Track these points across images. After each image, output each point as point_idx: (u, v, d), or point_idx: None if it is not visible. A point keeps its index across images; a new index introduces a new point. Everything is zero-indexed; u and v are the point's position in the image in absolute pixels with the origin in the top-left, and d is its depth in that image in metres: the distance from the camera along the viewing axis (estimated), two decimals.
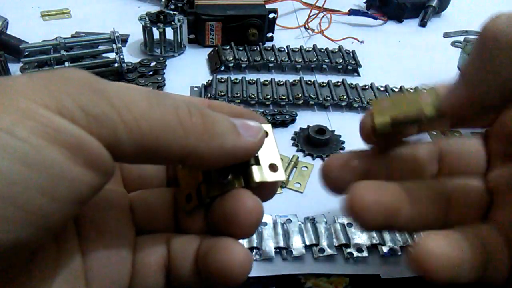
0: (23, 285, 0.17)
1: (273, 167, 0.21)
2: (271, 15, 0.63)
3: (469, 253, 0.22)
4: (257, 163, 0.21)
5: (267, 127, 0.23)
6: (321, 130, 0.46)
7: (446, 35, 0.57)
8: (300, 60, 0.58)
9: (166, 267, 0.22)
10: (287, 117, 0.48)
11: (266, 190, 0.22)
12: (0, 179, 0.13)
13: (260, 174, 0.21)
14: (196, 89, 0.53)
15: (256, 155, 0.21)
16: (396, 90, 0.54)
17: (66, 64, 0.50)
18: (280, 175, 0.21)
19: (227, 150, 0.19)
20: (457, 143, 0.27)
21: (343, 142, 0.47)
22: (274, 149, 0.22)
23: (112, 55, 0.53)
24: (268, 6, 0.63)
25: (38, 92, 0.15)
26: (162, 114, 0.17)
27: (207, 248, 0.20)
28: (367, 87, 0.54)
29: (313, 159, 0.45)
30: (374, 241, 0.35)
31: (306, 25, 0.70)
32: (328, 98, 0.52)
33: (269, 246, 0.34)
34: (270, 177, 0.21)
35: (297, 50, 0.60)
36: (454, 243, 0.22)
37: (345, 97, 0.52)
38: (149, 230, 0.23)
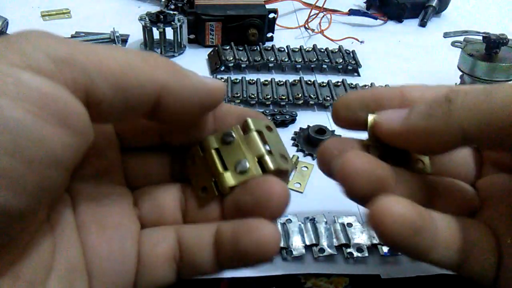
0: (15, 278, 0.17)
1: (284, 157, 0.23)
2: (271, 15, 0.63)
3: (439, 228, 0.21)
4: (270, 153, 0.23)
5: (270, 122, 0.25)
6: (321, 130, 0.46)
7: (446, 35, 0.57)
8: (300, 60, 0.58)
9: (176, 258, 0.22)
10: (287, 117, 0.48)
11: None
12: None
13: (274, 162, 0.22)
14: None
15: (268, 148, 0.23)
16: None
17: None
18: (290, 165, 0.23)
19: (195, 86, 0.20)
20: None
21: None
22: (280, 142, 0.24)
23: None
24: (268, 6, 0.63)
25: (7, 52, 0.14)
26: (124, 54, 0.17)
27: (235, 231, 0.20)
28: (367, 87, 0.54)
29: (313, 159, 0.45)
30: (374, 241, 0.35)
31: (306, 25, 0.70)
32: (328, 98, 0.52)
33: None
34: (284, 165, 0.23)
35: (297, 50, 0.60)
36: (419, 210, 0.21)
37: None
38: (156, 224, 0.23)
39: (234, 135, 0.23)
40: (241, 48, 0.59)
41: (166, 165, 0.25)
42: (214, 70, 0.57)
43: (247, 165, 0.22)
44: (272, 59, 0.58)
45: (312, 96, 0.52)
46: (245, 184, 0.22)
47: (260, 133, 0.23)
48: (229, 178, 0.22)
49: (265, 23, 0.62)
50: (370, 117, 0.24)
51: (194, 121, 0.23)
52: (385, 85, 0.54)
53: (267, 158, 0.22)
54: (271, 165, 0.22)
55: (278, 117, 0.48)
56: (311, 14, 0.70)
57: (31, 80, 0.14)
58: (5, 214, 0.14)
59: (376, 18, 0.74)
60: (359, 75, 0.59)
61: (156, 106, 0.19)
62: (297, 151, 0.46)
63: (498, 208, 0.23)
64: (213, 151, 0.23)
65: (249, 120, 0.24)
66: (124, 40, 0.62)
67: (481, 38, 0.54)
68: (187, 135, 0.24)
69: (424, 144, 0.21)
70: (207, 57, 0.60)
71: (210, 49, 0.61)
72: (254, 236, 0.20)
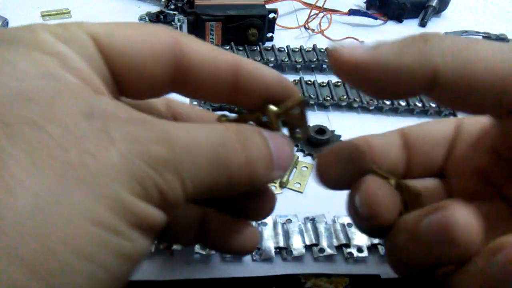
0: None
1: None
2: (271, 15, 0.63)
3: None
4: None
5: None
6: (321, 130, 0.46)
7: (446, 35, 0.57)
8: (300, 60, 0.58)
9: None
10: None
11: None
12: (109, 277, 0.14)
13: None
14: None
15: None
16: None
17: None
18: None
19: (257, 185, 0.20)
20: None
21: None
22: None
23: None
24: (268, 6, 0.63)
25: (131, 180, 0.15)
26: (218, 174, 0.18)
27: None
28: None
29: (313, 159, 0.45)
30: (374, 241, 0.35)
31: (306, 25, 0.70)
32: (328, 98, 0.52)
33: (269, 246, 0.34)
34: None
35: (297, 50, 0.60)
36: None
37: (345, 97, 0.52)
38: None
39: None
40: (241, 48, 0.59)
41: None
42: None
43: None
44: (272, 59, 0.58)
45: (312, 96, 0.52)
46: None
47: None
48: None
49: (265, 23, 0.62)
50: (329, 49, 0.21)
51: None
52: None
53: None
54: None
55: None
56: (311, 14, 0.70)
57: (151, 212, 0.16)
58: None
59: (376, 18, 0.74)
60: None
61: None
62: (297, 151, 0.46)
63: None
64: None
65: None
66: None
67: (481, 38, 0.54)
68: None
69: (391, 83, 0.19)
70: None
71: None
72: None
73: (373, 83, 0.19)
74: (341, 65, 0.20)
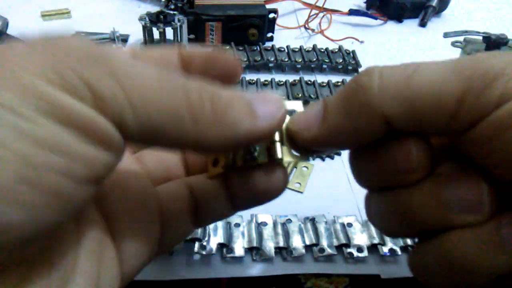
0: (50, 269, 0.17)
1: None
2: (271, 15, 0.63)
3: None
4: (282, 141, 0.21)
5: (298, 105, 0.22)
6: None
7: (446, 35, 0.57)
8: (300, 60, 0.58)
9: (192, 209, 0.23)
10: None
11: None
12: (19, 162, 0.13)
13: (283, 152, 0.21)
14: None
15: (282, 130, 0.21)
16: None
17: None
18: (299, 158, 0.21)
19: (241, 137, 0.18)
20: None
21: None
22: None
23: None
24: (268, 6, 0.63)
25: (39, 65, 0.14)
26: (172, 99, 0.16)
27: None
28: None
29: (313, 159, 0.45)
30: (374, 241, 0.35)
31: (306, 25, 0.70)
32: None
33: (269, 246, 0.34)
34: (294, 157, 0.21)
35: (297, 50, 0.60)
36: None
37: None
38: (167, 178, 0.24)
39: None
40: (241, 48, 0.59)
41: (178, 160, 0.25)
42: None
43: (256, 154, 0.21)
44: (272, 59, 0.58)
45: (312, 96, 0.52)
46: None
47: None
48: (240, 159, 0.21)
49: (265, 23, 0.62)
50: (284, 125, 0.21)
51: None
52: None
53: (277, 146, 0.21)
54: (278, 154, 0.21)
55: None
56: (311, 14, 0.70)
57: (73, 104, 0.14)
58: (46, 233, 0.15)
59: (376, 18, 0.74)
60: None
61: (186, 148, 0.19)
62: None
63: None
64: None
65: None
66: (124, 40, 0.62)
67: (481, 38, 0.54)
68: None
69: (349, 141, 0.19)
70: None
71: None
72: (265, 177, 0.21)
73: (335, 146, 0.20)
74: (303, 142, 0.20)
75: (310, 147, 0.21)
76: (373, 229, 0.36)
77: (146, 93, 0.15)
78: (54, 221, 0.15)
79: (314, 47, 0.60)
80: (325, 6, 0.70)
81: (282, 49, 0.60)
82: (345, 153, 0.46)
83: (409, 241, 0.35)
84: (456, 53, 0.56)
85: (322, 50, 0.60)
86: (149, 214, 0.22)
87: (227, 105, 0.17)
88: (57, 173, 0.14)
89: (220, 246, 0.34)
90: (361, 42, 0.67)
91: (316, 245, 0.35)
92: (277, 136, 0.21)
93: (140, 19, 0.58)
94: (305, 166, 0.44)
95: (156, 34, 0.59)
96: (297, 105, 0.22)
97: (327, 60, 0.58)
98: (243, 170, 0.22)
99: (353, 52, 0.61)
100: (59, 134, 0.14)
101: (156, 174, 0.24)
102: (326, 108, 0.19)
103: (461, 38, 0.58)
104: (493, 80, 0.16)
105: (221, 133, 0.17)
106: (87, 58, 0.15)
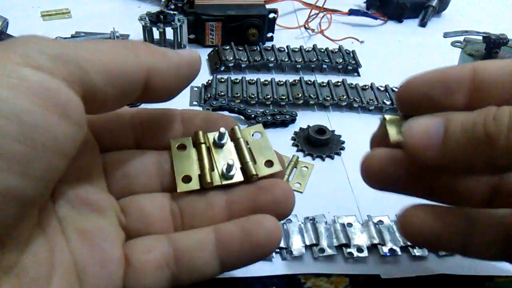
0: (20, 276, 0.17)
1: (269, 163, 0.25)
2: (271, 15, 0.63)
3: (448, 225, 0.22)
4: (254, 161, 0.25)
5: (259, 127, 0.26)
6: (321, 130, 0.46)
7: (446, 35, 0.57)
8: (300, 60, 0.58)
9: (169, 264, 0.22)
10: (287, 117, 0.48)
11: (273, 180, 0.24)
12: None
13: (255, 169, 0.24)
14: (196, 89, 0.53)
15: (253, 154, 0.25)
16: (396, 90, 0.54)
17: None
18: (275, 168, 0.25)
19: (175, 63, 0.22)
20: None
21: (343, 142, 0.47)
22: (267, 147, 0.26)
23: None
24: (268, 6, 0.63)
25: (5, 52, 0.16)
26: (110, 45, 0.19)
27: (245, 227, 0.22)
28: (367, 87, 0.54)
29: (313, 159, 0.45)
30: (374, 241, 0.35)
31: (306, 25, 0.70)
32: (328, 98, 0.52)
33: None
34: (266, 171, 0.25)
35: (297, 50, 0.60)
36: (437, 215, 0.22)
37: (345, 97, 0.52)
38: (146, 234, 0.23)
39: (225, 140, 0.25)
40: (241, 48, 0.59)
41: (151, 167, 0.25)
42: (214, 70, 0.57)
43: (234, 171, 0.24)
44: (272, 59, 0.58)
45: (312, 96, 0.52)
46: (232, 185, 0.24)
47: (246, 140, 0.26)
48: (217, 178, 0.24)
49: (265, 23, 0.62)
50: (393, 132, 0.23)
51: (176, 95, 0.24)
52: (385, 85, 0.54)
53: (250, 165, 0.24)
54: (253, 172, 0.24)
55: (278, 117, 0.48)
56: (311, 14, 0.70)
57: (33, 75, 0.15)
58: (14, 199, 0.15)
59: (376, 18, 0.74)
60: (359, 75, 0.59)
61: (145, 88, 0.21)
62: (297, 151, 0.46)
63: None
64: (205, 148, 0.25)
65: (236, 128, 0.26)
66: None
67: (481, 38, 0.54)
68: (159, 138, 0.26)
69: (465, 168, 0.20)
70: (207, 57, 0.60)
71: (210, 49, 0.61)
72: (264, 228, 0.22)
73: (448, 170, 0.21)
74: (421, 161, 0.21)
75: (425, 165, 0.21)
76: (373, 229, 0.36)
77: (90, 47, 0.18)
78: (20, 188, 0.15)
79: (314, 47, 0.60)
80: (325, 6, 0.70)
81: (282, 49, 0.60)
82: (346, 153, 0.46)
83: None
84: (456, 53, 0.56)
85: (322, 50, 0.60)
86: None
87: (153, 46, 0.22)
88: (13, 140, 0.15)
89: None
90: (361, 42, 0.67)
91: (316, 245, 0.35)
92: (249, 158, 0.25)
93: (140, 19, 0.58)
94: (305, 166, 0.44)
95: (156, 34, 0.59)
96: (258, 127, 0.27)
97: (327, 60, 0.58)
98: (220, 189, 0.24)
99: (353, 52, 0.61)
100: (15, 102, 0.15)
101: (137, 227, 0.23)
102: (447, 131, 0.20)
103: (461, 38, 0.58)
104: None
105: (160, 59, 0.21)
106: (46, 39, 0.17)
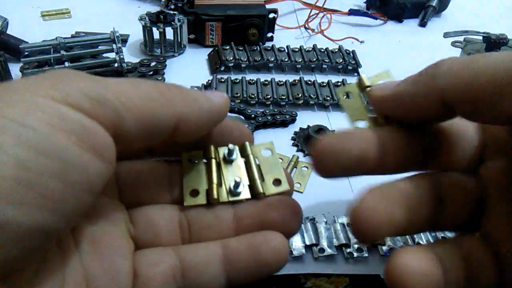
0: None
1: (277, 181, 0.25)
2: (271, 15, 0.63)
3: (448, 269, 0.20)
4: (262, 178, 0.25)
5: (269, 144, 0.26)
6: (321, 130, 0.46)
7: (446, 35, 0.57)
8: (300, 60, 0.58)
9: (176, 278, 0.22)
10: (287, 117, 0.48)
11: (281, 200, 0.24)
12: (17, 165, 0.14)
13: (263, 187, 0.24)
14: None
15: (261, 171, 0.25)
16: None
17: (66, 64, 0.50)
18: (283, 187, 0.25)
19: (206, 110, 0.22)
20: (454, 125, 0.24)
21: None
22: (277, 165, 0.25)
23: (112, 55, 0.53)
24: (268, 6, 0.63)
25: (43, 87, 0.16)
26: (146, 91, 0.20)
27: (253, 243, 0.22)
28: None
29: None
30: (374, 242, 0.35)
31: (306, 25, 0.70)
32: (328, 98, 0.52)
33: None
34: (273, 190, 0.24)
35: (297, 50, 0.60)
36: (433, 259, 0.20)
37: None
38: (153, 245, 0.23)
39: (235, 156, 0.25)
40: (241, 48, 0.59)
41: (161, 179, 0.25)
42: (214, 70, 0.57)
43: (241, 188, 0.24)
44: (272, 59, 0.58)
45: (312, 96, 0.52)
46: (240, 202, 0.24)
47: (255, 157, 0.25)
48: (224, 194, 0.24)
49: (265, 23, 0.62)
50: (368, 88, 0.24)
51: (203, 136, 0.24)
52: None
53: (258, 183, 0.24)
54: (260, 190, 0.24)
55: (278, 117, 0.48)
56: (311, 14, 0.70)
57: (73, 115, 0.16)
58: (42, 233, 0.16)
59: (376, 18, 0.74)
60: (359, 75, 0.59)
61: (173, 133, 0.21)
62: (297, 151, 0.46)
63: (498, 208, 0.22)
64: (214, 163, 0.25)
65: (247, 145, 0.25)
66: (124, 40, 0.62)
67: (481, 38, 0.54)
68: (172, 144, 0.25)
69: (409, 109, 0.21)
70: (207, 57, 0.60)
71: (210, 49, 0.61)
72: (271, 246, 0.22)
73: (397, 111, 0.22)
74: (374, 100, 0.23)
75: (381, 108, 0.23)
76: None
77: (128, 91, 0.19)
78: (49, 224, 0.15)
79: (314, 47, 0.60)
80: (325, 6, 0.70)
81: (282, 49, 0.60)
82: None
83: (410, 241, 0.35)
84: (456, 53, 0.56)
85: (322, 50, 0.60)
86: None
87: (187, 90, 0.22)
88: (51, 177, 0.15)
89: None
90: (361, 42, 0.67)
91: (316, 245, 0.35)
92: (258, 176, 0.24)
93: (140, 19, 0.58)
94: (305, 166, 0.44)
95: (156, 34, 0.59)
96: (269, 146, 0.26)
97: (327, 60, 0.58)
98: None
99: (353, 52, 0.61)
100: (55, 140, 0.15)
101: (145, 238, 0.23)
102: (404, 80, 0.22)
103: (461, 38, 0.58)
104: None
105: (191, 107, 0.21)
106: (83, 77, 0.17)
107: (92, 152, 0.16)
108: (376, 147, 0.21)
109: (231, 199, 0.24)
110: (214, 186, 0.24)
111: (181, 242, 0.24)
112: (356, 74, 0.59)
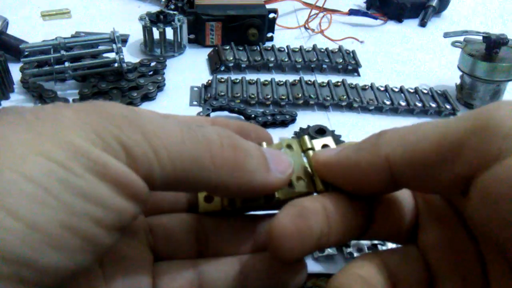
0: None
1: (296, 182, 0.22)
2: (271, 15, 0.63)
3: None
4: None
5: (330, 140, 0.24)
6: (321, 130, 0.46)
7: (446, 35, 0.57)
8: (300, 60, 0.58)
9: None
10: (287, 117, 0.48)
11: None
12: (64, 211, 0.15)
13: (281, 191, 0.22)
14: (196, 89, 0.53)
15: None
16: (396, 90, 0.54)
17: (66, 64, 0.50)
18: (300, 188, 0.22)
19: (255, 186, 0.20)
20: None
21: (342, 142, 0.47)
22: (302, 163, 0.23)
23: (112, 55, 0.53)
24: (268, 6, 0.63)
25: (85, 130, 0.16)
26: (195, 149, 0.18)
27: (272, 264, 0.21)
28: (367, 87, 0.54)
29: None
30: (374, 241, 0.35)
31: (306, 25, 0.70)
32: (328, 98, 0.52)
33: None
34: (290, 193, 0.22)
35: (297, 50, 0.60)
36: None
37: (345, 97, 0.52)
38: (170, 256, 0.23)
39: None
40: (241, 48, 0.59)
41: (182, 195, 0.25)
42: (214, 70, 0.57)
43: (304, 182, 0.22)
44: (272, 59, 0.58)
45: (312, 96, 0.52)
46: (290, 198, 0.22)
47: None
48: (239, 201, 0.23)
49: (265, 23, 0.62)
50: (311, 153, 0.23)
51: None
52: (385, 85, 0.54)
53: (318, 179, 0.22)
54: (276, 195, 0.22)
55: (278, 117, 0.48)
56: (311, 14, 0.70)
57: (115, 164, 0.16)
58: (81, 271, 0.16)
59: (376, 18, 0.74)
60: (359, 75, 0.59)
61: (205, 191, 0.20)
62: None
63: (430, 233, 0.21)
64: None
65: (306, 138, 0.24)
66: (124, 40, 0.62)
67: (481, 38, 0.54)
68: None
69: (354, 179, 0.20)
70: (207, 57, 0.60)
71: (210, 49, 0.61)
72: (290, 265, 0.21)
73: (343, 181, 0.21)
74: (317, 166, 0.22)
75: (324, 176, 0.22)
76: None
77: (172, 148, 0.17)
78: (85, 264, 0.16)
79: (314, 47, 0.60)
80: (325, 6, 0.70)
81: (282, 49, 0.60)
82: None
83: None
84: (456, 53, 0.56)
85: (322, 50, 0.60)
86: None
87: (246, 155, 0.19)
88: (93, 222, 0.16)
89: None
90: (361, 42, 0.67)
91: None
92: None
93: (140, 19, 0.58)
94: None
95: (156, 34, 0.59)
96: (329, 141, 0.24)
97: (327, 60, 0.58)
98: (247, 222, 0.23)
99: (353, 52, 0.61)
100: (99, 188, 0.16)
101: (163, 249, 0.23)
102: (345, 146, 0.21)
103: (461, 38, 0.58)
104: (493, 133, 0.16)
105: (239, 180, 0.19)
106: (123, 122, 0.17)
107: (130, 199, 0.17)
108: (326, 221, 0.20)
109: (244, 205, 0.23)
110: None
111: (198, 254, 0.23)
112: (356, 74, 0.59)
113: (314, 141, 0.24)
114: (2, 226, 0.13)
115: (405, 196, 0.22)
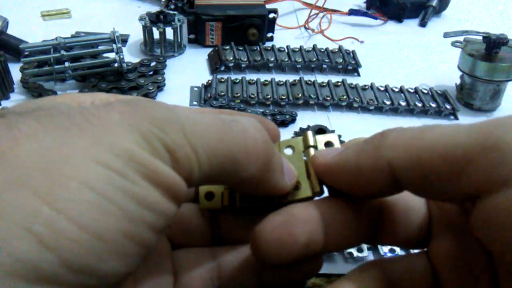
0: None
1: (296, 186, 0.22)
2: (271, 15, 0.63)
3: None
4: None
5: (334, 137, 0.24)
6: (321, 130, 0.46)
7: (446, 35, 0.57)
8: (300, 60, 0.58)
9: (213, 279, 0.22)
10: (287, 117, 0.48)
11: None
12: (123, 218, 0.15)
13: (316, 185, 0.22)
14: (196, 89, 0.53)
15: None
16: (396, 90, 0.54)
17: (66, 64, 0.50)
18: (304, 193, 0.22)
19: (272, 184, 0.21)
20: (400, 198, 0.22)
21: (342, 142, 0.47)
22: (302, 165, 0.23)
23: (112, 55, 0.53)
24: (268, 6, 0.63)
25: (133, 133, 0.16)
26: (232, 145, 0.18)
27: None
28: (367, 87, 0.54)
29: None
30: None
31: (306, 25, 0.70)
32: (328, 98, 0.52)
33: None
34: (293, 195, 0.22)
35: (297, 50, 0.60)
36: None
37: (345, 97, 0.52)
38: (185, 244, 0.23)
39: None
40: (241, 48, 0.59)
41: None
42: (214, 70, 0.57)
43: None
44: (272, 59, 0.58)
45: (312, 96, 0.52)
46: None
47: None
48: (238, 201, 0.23)
49: (265, 23, 0.62)
50: (312, 153, 0.22)
51: None
52: (385, 85, 0.54)
53: (316, 181, 0.22)
54: (318, 188, 0.22)
55: (278, 117, 0.48)
56: (311, 14, 0.70)
57: (163, 170, 0.16)
58: (118, 277, 0.16)
59: (376, 18, 0.74)
60: (359, 75, 0.59)
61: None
62: None
63: (443, 242, 0.21)
64: None
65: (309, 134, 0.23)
66: (124, 40, 0.62)
67: (481, 38, 0.54)
68: None
69: (354, 181, 0.20)
70: (207, 57, 0.60)
71: (210, 49, 0.61)
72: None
73: (343, 184, 0.21)
74: (316, 168, 0.22)
75: (324, 178, 0.21)
76: None
77: (210, 147, 0.18)
78: (136, 268, 0.16)
79: (314, 47, 0.60)
80: (325, 6, 0.70)
81: (282, 49, 0.60)
82: None
83: None
84: (456, 53, 0.56)
85: (322, 50, 0.60)
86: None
87: (274, 152, 0.20)
88: (148, 227, 0.16)
89: None
90: (361, 42, 0.67)
91: None
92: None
93: (140, 19, 0.58)
94: None
95: (156, 34, 0.59)
96: (333, 138, 0.24)
97: (327, 60, 0.58)
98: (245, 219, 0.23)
99: (353, 52, 0.61)
100: (152, 193, 0.16)
101: (177, 236, 0.24)
102: (347, 146, 0.21)
103: (461, 38, 0.58)
104: (502, 156, 0.15)
105: (263, 176, 0.20)
106: (165, 124, 0.17)
107: (174, 201, 0.17)
108: (322, 227, 0.20)
109: (244, 205, 0.23)
110: (228, 191, 0.23)
111: (212, 242, 0.24)
112: (356, 74, 0.59)
113: (318, 136, 0.23)
114: (69, 236, 0.13)
115: (416, 202, 0.22)
